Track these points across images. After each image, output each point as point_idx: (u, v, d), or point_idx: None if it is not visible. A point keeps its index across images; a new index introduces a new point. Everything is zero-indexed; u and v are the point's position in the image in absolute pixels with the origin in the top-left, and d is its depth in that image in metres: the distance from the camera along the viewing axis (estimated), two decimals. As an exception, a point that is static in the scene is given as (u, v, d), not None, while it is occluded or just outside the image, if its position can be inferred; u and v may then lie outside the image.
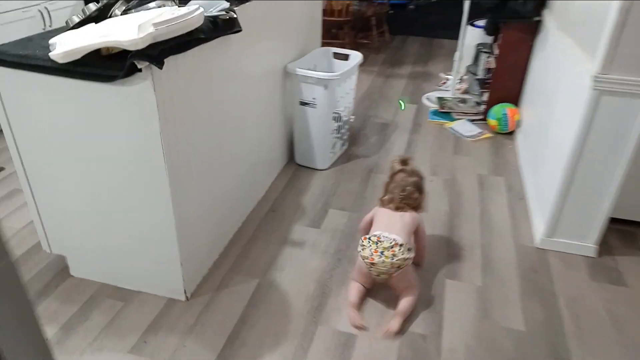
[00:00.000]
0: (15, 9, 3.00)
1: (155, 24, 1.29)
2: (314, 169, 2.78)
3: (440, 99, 3.64)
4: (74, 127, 1.54)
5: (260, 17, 2.15)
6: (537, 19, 2.93)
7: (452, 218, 2.38)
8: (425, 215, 1.99)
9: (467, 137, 3.19)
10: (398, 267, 1.69)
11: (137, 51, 1.29)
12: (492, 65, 3.47)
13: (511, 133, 3.24)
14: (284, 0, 2.42)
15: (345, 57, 2.91)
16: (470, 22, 4.28)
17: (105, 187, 1.65)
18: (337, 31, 5.07)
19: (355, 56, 2.84)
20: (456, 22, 5.95)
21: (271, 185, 2.63)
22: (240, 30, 1.79)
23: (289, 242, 2.19)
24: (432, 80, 4.23)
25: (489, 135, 3.22)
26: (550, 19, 2.76)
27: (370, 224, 1.88)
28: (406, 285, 1.78)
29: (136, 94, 1.41)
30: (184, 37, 1.43)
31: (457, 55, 3.66)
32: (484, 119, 3.37)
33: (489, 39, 4.00)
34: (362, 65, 4.60)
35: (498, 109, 3.20)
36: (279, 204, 2.47)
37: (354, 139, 3.14)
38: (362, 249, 1.74)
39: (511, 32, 3.09)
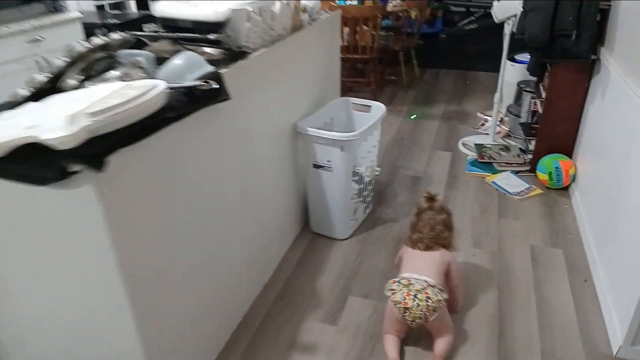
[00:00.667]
0: None
1: (92, 114, 0.95)
2: (332, 238, 2.38)
3: (479, 146, 3.20)
4: (17, 235, 1.21)
5: (262, 72, 1.81)
6: (593, 57, 2.49)
7: (502, 308, 1.93)
8: (470, 304, 1.83)
9: (514, 194, 2.73)
10: (434, 309, 1.60)
11: (68, 150, 0.95)
12: (539, 108, 3.02)
13: (565, 188, 2.76)
14: (292, 49, 2.08)
15: (366, 109, 2.53)
16: (510, 56, 3.86)
17: (61, 310, 1.30)
18: (362, 66, 4.73)
19: (378, 108, 2.46)
20: (493, 52, 5.49)
21: (282, 260, 2.25)
22: (227, 99, 1.44)
23: (299, 346, 1.78)
24: (469, 122, 3.80)
25: (539, 191, 2.75)
26: (610, 59, 2.31)
27: (399, 262, 1.86)
28: (442, 325, 1.68)
29: (76, 199, 1.06)
30: (143, 122, 1.09)
31: (496, 97, 3.22)
32: (532, 171, 2.91)
33: (532, 77, 3.56)
34: (390, 104, 4.28)
35: (549, 162, 2.73)
36: (290, 288, 2.07)
37: (380, 198, 2.74)
38: (393, 294, 1.65)
39: (561, 72, 2.65)
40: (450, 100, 4.28)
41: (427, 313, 1.60)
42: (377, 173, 2.86)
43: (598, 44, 2.49)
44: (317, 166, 2.21)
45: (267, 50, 1.82)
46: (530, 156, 2.99)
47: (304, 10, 2.27)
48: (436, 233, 1.78)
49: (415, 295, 1.60)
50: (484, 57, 5.73)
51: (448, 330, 1.70)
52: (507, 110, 3.60)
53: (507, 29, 2.96)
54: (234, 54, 1.60)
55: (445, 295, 1.65)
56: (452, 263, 1.80)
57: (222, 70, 1.48)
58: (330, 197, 2.26)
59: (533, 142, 2.96)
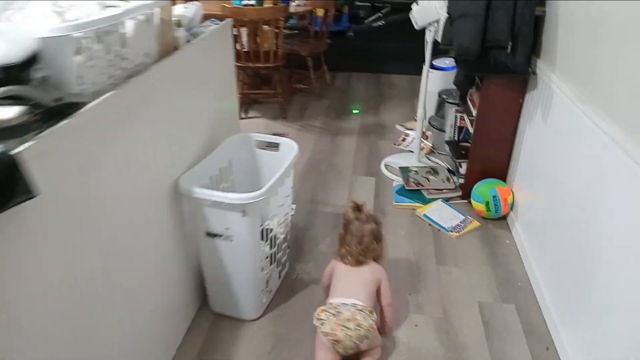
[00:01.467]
0: None
1: None
2: (239, 319, 1.84)
3: (404, 170, 2.81)
4: None
5: (112, 123, 1.21)
6: (531, 73, 2.16)
7: (459, 404, 1.52)
8: None
9: (449, 229, 2.37)
10: (365, 337, 1.55)
11: None
12: (466, 124, 2.69)
13: (504, 217, 2.45)
14: (163, 80, 1.50)
15: (274, 146, 2.01)
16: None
17: None
18: (267, 73, 4.18)
19: (289, 147, 1.95)
20: (405, 52, 5.21)
21: (175, 356, 1.67)
22: (30, 197, 0.85)
23: None
24: (389, 136, 3.41)
25: (476, 224, 2.42)
26: (550, 74, 2.00)
27: (329, 277, 1.75)
28: (372, 347, 1.63)
29: None
30: None
31: (419, 113, 2.84)
32: (464, 197, 2.58)
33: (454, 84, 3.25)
34: (301, 118, 3.82)
35: (485, 190, 2.40)
36: (184, 409, 1.51)
37: (298, 250, 2.24)
38: (321, 324, 1.55)
39: (493, 87, 2.31)
40: (366, 110, 3.88)
41: (358, 342, 1.54)
42: (292, 213, 2.36)
43: (533, 55, 2.17)
44: (211, 235, 1.65)
45: (119, 91, 1.23)
46: (461, 181, 2.65)
47: (179, 24, 1.69)
48: (364, 245, 1.69)
49: (344, 326, 1.53)
50: (395, 56, 5.43)
51: (377, 350, 1.65)
52: (429, 122, 3.27)
53: (429, 37, 2.58)
54: (52, 111, 0.99)
55: (374, 317, 1.59)
56: (383, 280, 1.71)
57: (20, 148, 0.88)
58: (232, 271, 1.71)
59: (464, 165, 2.62)
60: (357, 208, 1.76)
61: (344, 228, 1.75)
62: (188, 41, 1.72)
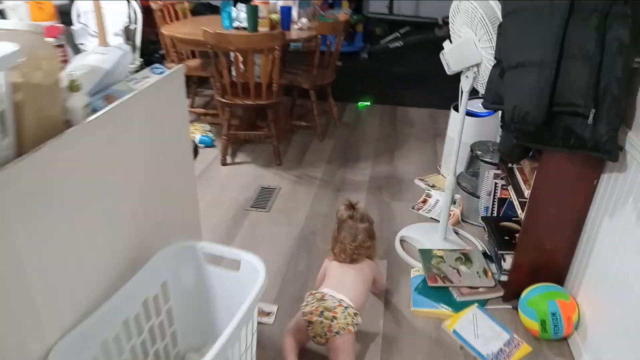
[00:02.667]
0: None
1: None
2: None
3: (426, 255, 2.13)
4: None
5: None
6: (617, 151, 1.49)
7: None
8: None
9: (489, 358, 1.69)
10: (336, 332, 1.53)
11: None
12: (511, 196, 2.02)
13: (564, 338, 1.77)
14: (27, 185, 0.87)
15: (234, 266, 1.36)
16: (455, 105, 2.87)
17: None
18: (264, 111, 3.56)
19: (253, 268, 1.29)
20: (426, 79, 4.59)
21: None
22: None
23: None
24: (406, 194, 2.75)
25: (526, 349, 1.73)
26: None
27: (322, 281, 1.76)
28: (341, 352, 1.55)
29: None
30: None
31: (449, 180, 2.17)
32: (507, 298, 1.90)
33: (490, 134, 2.60)
34: (299, 164, 3.13)
35: (540, 302, 1.72)
36: None
37: (275, 384, 1.59)
38: (305, 305, 1.61)
39: (556, 162, 1.64)
40: (378, 156, 3.22)
41: (327, 333, 1.53)
42: (270, 322, 1.72)
43: (622, 125, 1.50)
44: None
45: None
46: (502, 277, 1.98)
47: (74, 87, 1.05)
48: (358, 243, 1.72)
49: (322, 312, 1.55)
50: (414, 84, 4.78)
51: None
52: (457, 181, 2.60)
53: (466, 84, 1.92)
54: None
55: (356, 321, 1.58)
56: (377, 277, 1.82)
57: None
58: None
59: (508, 258, 1.94)
60: (351, 206, 1.78)
61: (338, 226, 1.77)
62: (95, 110, 1.09)
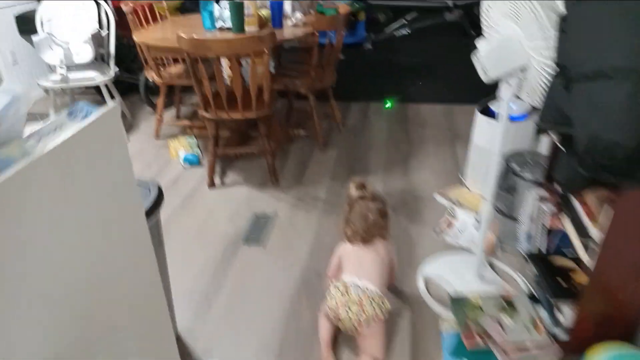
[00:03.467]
0: None
1: None
2: None
3: (458, 305, 1.71)
4: None
5: None
6: None
7: None
8: None
9: None
10: (366, 323, 1.51)
11: None
12: (564, 228, 1.59)
13: (649, 420, 1.36)
14: None
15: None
16: (483, 104, 2.44)
17: None
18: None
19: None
20: (437, 70, 4.18)
21: None
22: None
23: None
24: (426, 213, 2.33)
25: None
26: None
27: (338, 268, 1.71)
28: (372, 340, 1.54)
29: None
30: None
31: (486, 212, 1.75)
32: (570, 366, 1.49)
33: (523, 141, 2.19)
34: (300, 183, 2.59)
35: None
36: None
37: None
38: (330, 298, 1.57)
39: (635, 200, 1.22)
40: (390, 166, 2.79)
41: (358, 327, 1.51)
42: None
43: None
44: None
45: None
46: (559, 329, 1.56)
47: None
48: (370, 223, 1.66)
49: (349, 307, 1.52)
50: (425, 76, 4.33)
51: (377, 349, 1.54)
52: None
53: (506, 93, 1.49)
54: None
55: (385, 307, 1.54)
56: (392, 256, 1.75)
57: None
58: None
59: (567, 310, 1.53)
60: (361, 186, 1.74)
61: (349, 207, 1.72)
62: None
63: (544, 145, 2.14)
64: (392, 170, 2.76)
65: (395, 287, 1.86)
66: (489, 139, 2.31)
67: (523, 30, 1.28)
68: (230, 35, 2.53)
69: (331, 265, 1.76)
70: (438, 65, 4.67)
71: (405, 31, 5.27)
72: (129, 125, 3.44)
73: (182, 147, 2.96)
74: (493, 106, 2.33)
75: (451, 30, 5.65)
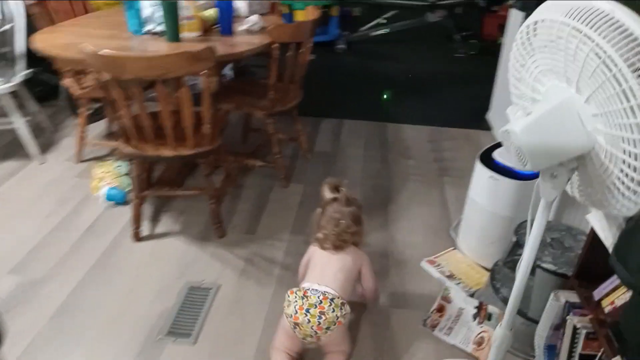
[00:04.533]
0: None
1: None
2: None
3: None
4: None
5: None
6: None
7: None
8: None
9: None
10: (327, 328, 1.41)
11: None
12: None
13: None
14: None
15: None
16: (485, 152, 1.91)
17: None
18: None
19: None
20: (422, 78, 3.73)
21: None
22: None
23: None
24: (411, 295, 1.81)
25: None
26: None
27: (306, 269, 1.61)
28: (335, 346, 1.49)
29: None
30: None
31: (500, 338, 1.23)
32: None
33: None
34: (253, 235, 2.04)
35: None
36: None
37: None
38: (287, 306, 1.46)
39: None
40: (366, 211, 2.25)
41: (318, 331, 1.41)
42: None
43: None
44: None
45: None
46: None
47: None
48: (342, 228, 1.55)
49: (307, 310, 1.42)
50: (408, 87, 3.79)
51: (341, 354, 1.50)
52: (492, 284, 1.68)
53: (550, 191, 0.96)
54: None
55: (345, 311, 1.45)
56: (364, 266, 1.62)
57: None
58: None
59: None
60: (335, 188, 1.63)
61: (321, 210, 1.62)
62: None
63: (579, 217, 1.66)
64: (368, 217, 2.22)
65: (365, 305, 1.72)
66: (492, 198, 1.80)
67: (582, 92, 0.77)
68: (160, 45, 1.94)
69: (301, 265, 1.67)
70: (422, 76, 4.16)
71: (383, 30, 4.72)
72: (49, 141, 2.79)
73: (108, 177, 2.34)
74: (499, 157, 1.82)
75: (433, 32, 5.14)
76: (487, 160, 1.86)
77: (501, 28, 5.07)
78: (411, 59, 4.59)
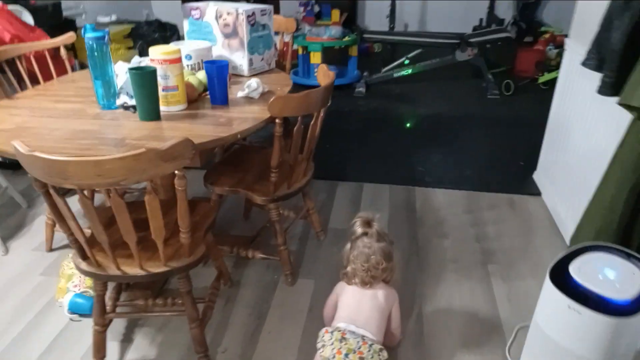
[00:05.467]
0: None
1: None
2: None
3: None
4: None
5: None
6: None
7: None
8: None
9: None
10: None
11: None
12: None
13: None
14: None
15: None
16: (555, 268, 1.42)
17: None
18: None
19: None
20: (450, 124, 3.32)
21: None
22: None
23: None
24: None
25: None
26: None
27: (334, 308, 1.57)
28: None
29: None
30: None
31: None
32: None
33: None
34: None
35: None
36: None
37: None
38: (323, 348, 1.40)
39: None
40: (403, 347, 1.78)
41: None
42: None
43: None
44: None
45: None
46: None
47: None
48: (371, 264, 1.50)
49: (346, 355, 1.37)
50: (434, 139, 3.32)
51: None
52: None
53: None
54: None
55: (383, 357, 1.40)
56: (395, 305, 1.58)
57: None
58: None
59: None
60: (367, 223, 1.55)
61: (351, 244, 1.56)
62: None
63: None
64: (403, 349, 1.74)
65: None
66: (570, 334, 1.31)
67: None
68: (131, 126, 1.53)
69: (328, 304, 1.63)
70: (451, 123, 3.70)
71: (406, 71, 4.29)
72: (19, 221, 2.40)
73: (76, 276, 1.92)
74: (578, 274, 1.33)
75: (463, 71, 4.70)
76: (561, 276, 1.37)
77: (538, 65, 4.62)
78: (438, 102, 4.14)
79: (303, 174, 1.92)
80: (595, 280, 1.31)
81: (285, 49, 2.60)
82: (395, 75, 4.33)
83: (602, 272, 1.34)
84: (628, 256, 1.41)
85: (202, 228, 1.56)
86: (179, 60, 1.62)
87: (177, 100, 1.66)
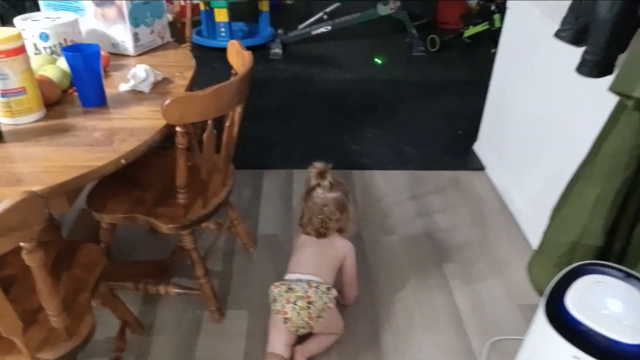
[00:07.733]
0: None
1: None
2: None
3: None
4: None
5: None
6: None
7: None
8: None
9: None
10: (317, 316, 1.39)
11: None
12: None
13: None
14: None
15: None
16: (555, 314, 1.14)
17: None
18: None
19: None
20: (384, 93, 3.06)
21: None
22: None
23: None
24: None
25: None
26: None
27: None
28: (328, 330, 1.47)
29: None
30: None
31: None
32: None
33: None
34: None
35: None
36: None
37: None
38: (273, 301, 1.42)
39: None
40: (346, 342, 1.48)
41: (309, 321, 1.39)
42: None
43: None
44: None
45: None
46: None
47: None
48: (325, 215, 1.49)
49: (295, 302, 1.38)
50: (366, 111, 2.94)
51: (334, 333, 1.49)
52: None
53: None
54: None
55: (332, 295, 1.42)
56: (348, 257, 1.56)
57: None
58: None
59: None
60: (321, 174, 1.50)
61: (306, 195, 1.53)
62: None
63: None
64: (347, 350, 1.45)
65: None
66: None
67: None
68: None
69: (292, 245, 1.60)
70: (380, 89, 3.37)
71: (325, 28, 3.86)
72: None
73: None
74: (577, 309, 1.08)
75: (386, 26, 4.34)
76: (554, 310, 1.12)
77: (463, 17, 4.39)
78: (364, 64, 3.78)
79: (221, 184, 1.50)
80: (599, 317, 1.07)
81: (183, 5, 2.08)
82: (314, 32, 3.88)
83: (604, 303, 1.11)
84: (626, 276, 1.19)
85: (88, 287, 1.11)
86: (22, 49, 1.10)
87: (26, 107, 1.14)
